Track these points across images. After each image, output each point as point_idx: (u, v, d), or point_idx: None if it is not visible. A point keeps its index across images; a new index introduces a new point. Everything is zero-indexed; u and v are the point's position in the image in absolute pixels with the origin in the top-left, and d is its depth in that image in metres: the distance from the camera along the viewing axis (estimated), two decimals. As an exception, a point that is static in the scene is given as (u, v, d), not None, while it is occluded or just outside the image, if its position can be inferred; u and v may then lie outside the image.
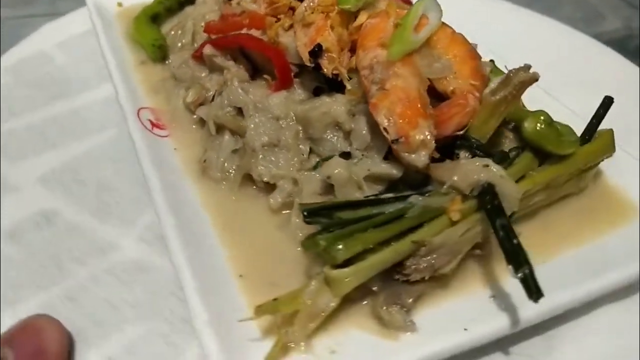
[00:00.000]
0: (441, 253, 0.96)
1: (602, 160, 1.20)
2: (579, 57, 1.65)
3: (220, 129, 1.20)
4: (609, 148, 1.18)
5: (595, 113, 1.21)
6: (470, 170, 1.00)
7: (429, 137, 0.98)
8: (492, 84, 1.06)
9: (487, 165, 1.00)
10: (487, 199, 0.98)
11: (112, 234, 1.12)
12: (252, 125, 1.14)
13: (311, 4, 1.20)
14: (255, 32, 1.27)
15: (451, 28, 1.18)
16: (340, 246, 0.90)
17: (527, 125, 1.07)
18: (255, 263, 1.01)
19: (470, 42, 1.17)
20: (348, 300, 0.95)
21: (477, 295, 0.99)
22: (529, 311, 0.94)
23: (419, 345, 0.89)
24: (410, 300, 0.94)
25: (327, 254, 0.91)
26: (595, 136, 1.18)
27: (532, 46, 1.52)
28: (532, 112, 1.11)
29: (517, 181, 1.06)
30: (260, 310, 0.87)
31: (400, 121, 0.99)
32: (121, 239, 1.12)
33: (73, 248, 1.09)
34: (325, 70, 1.11)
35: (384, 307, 0.93)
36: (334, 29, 1.14)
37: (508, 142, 1.14)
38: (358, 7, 1.16)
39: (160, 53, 1.43)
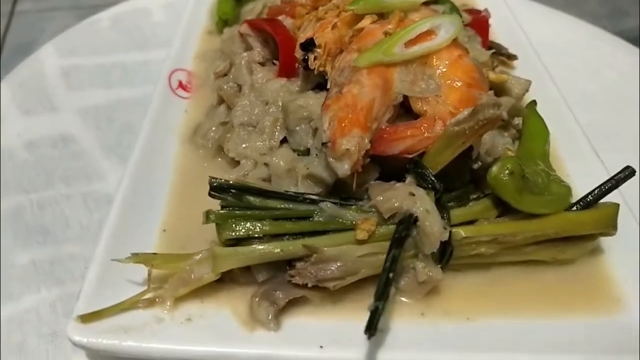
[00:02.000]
0: (331, 267, 0.92)
1: (596, 237, 1.03)
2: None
3: (220, 100, 1.27)
4: (607, 225, 1.01)
5: (606, 181, 1.04)
6: (395, 195, 0.95)
7: (354, 148, 0.94)
8: (460, 115, 0.98)
9: (413, 195, 0.94)
10: (400, 229, 0.92)
11: (105, 168, 1.27)
12: (241, 103, 1.20)
13: (333, 1, 1.21)
14: (289, 20, 1.32)
15: (462, 51, 1.10)
16: (227, 226, 0.93)
17: (492, 170, 0.97)
18: (182, 225, 1.07)
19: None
20: (235, 282, 0.97)
21: (356, 321, 0.93)
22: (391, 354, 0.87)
23: (263, 344, 0.88)
24: (284, 301, 0.93)
25: (217, 230, 0.94)
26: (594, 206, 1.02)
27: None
28: (506, 158, 0.99)
29: (461, 224, 0.98)
30: (136, 258, 0.93)
31: (336, 126, 0.97)
32: (110, 173, 1.26)
33: (68, 169, 1.25)
34: (310, 65, 1.12)
35: (256, 299, 0.93)
36: (336, 27, 1.14)
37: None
38: (367, 11, 1.14)
39: (224, 26, 1.54)
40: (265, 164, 1.08)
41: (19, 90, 1.41)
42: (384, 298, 0.82)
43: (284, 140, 1.16)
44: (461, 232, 0.97)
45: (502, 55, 1.54)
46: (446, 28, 1.10)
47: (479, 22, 1.50)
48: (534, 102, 1.26)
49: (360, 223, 0.94)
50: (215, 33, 1.57)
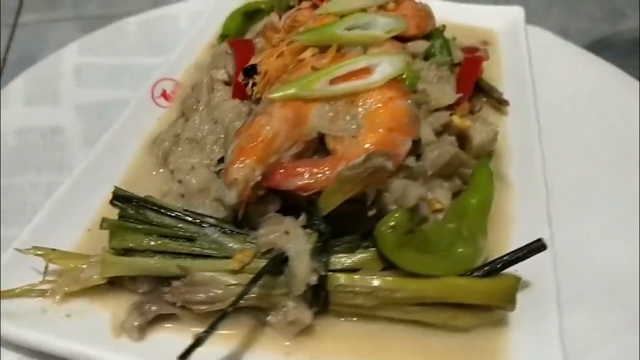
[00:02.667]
0: (200, 291, 0.95)
1: (495, 309, 0.97)
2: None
3: (182, 113, 1.34)
4: (501, 299, 0.95)
5: (516, 250, 0.98)
6: (275, 230, 0.96)
7: (242, 178, 0.96)
8: (356, 160, 0.96)
9: (288, 233, 0.94)
10: (266, 265, 0.92)
11: (79, 161, 1.37)
12: (192, 118, 1.26)
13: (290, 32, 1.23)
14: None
15: (396, 93, 1.08)
16: (117, 235, 0.99)
17: (380, 223, 0.95)
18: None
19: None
20: (124, 289, 1.03)
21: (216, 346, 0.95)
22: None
23: (118, 351, 0.93)
24: (153, 314, 0.97)
25: (109, 238, 1.00)
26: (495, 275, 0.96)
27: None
28: (396, 210, 0.96)
29: (342, 271, 0.96)
30: (36, 250, 1.02)
31: (234, 154, 0.99)
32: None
33: (45, 159, 1.37)
34: (247, 91, 1.15)
35: (131, 307, 0.98)
36: (282, 56, 1.16)
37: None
38: (310, 43, 1.15)
39: (222, 41, 1.60)
40: (179, 181, 1.13)
41: (32, 83, 1.56)
42: (210, 331, 0.84)
43: (221, 160, 1.20)
44: (338, 279, 0.95)
45: (493, 99, 1.47)
46: (382, 68, 1.09)
47: (470, 62, 1.44)
48: (488, 156, 1.20)
49: (237, 253, 0.96)
50: (216, 46, 1.64)
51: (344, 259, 0.97)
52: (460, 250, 0.99)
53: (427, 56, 1.41)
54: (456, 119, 1.26)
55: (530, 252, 0.97)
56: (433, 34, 1.48)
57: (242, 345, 0.97)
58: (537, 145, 1.32)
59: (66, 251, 1.04)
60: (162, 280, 0.99)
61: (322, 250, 0.96)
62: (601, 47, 1.93)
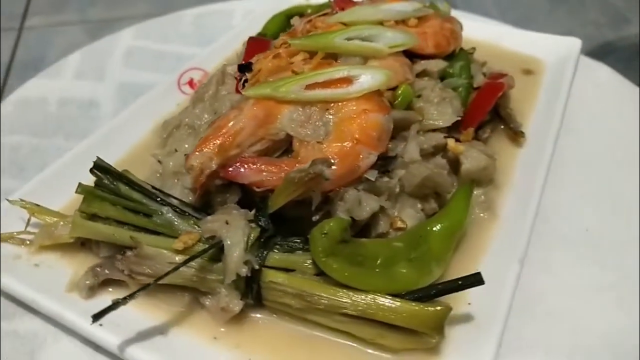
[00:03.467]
0: (146, 264, 1.01)
1: (424, 335, 0.95)
2: None
3: (194, 102, 1.41)
4: (427, 326, 0.93)
5: (452, 280, 0.95)
6: (219, 219, 1.00)
7: (197, 166, 1.01)
8: (305, 165, 0.98)
9: (228, 224, 0.98)
10: (205, 251, 0.97)
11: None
12: (197, 107, 1.33)
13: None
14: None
15: (373, 106, 1.08)
16: (87, 200, 1.08)
17: (315, 228, 0.96)
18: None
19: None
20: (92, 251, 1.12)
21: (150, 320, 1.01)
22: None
23: (64, 304, 1.02)
24: (102, 278, 1.05)
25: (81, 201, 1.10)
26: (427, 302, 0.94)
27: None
28: (332, 219, 0.97)
29: (277, 269, 0.99)
30: (22, 202, 1.13)
31: (198, 142, 1.04)
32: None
33: (76, 127, 1.51)
34: (239, 87, 1.20)
35: (88, 269, 1.06)
36: (277, 57, 1.20)
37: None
38: (302, 47, 1.17)
39: (258, 39, 1.67)
40: (159, 161, 1.20)
41: (86, 59, 1.71)
42: (129, 299, 0.90)
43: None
44: (270, 275, 0.98)
45: (509, 129, 1.42)
46: (363, 80, 1.09)
47: (489, 88, 1.40)
48: (470, 183, 1.16)
49: (183, 235, 1.01)
50: (249, 44, 1.71)
51: (281, 258, 0.99)
52: (402, 270, 0.97)
53: (443, 76, 1.39)
54: (451, 143, 1.24)
55: (465, 285, 0.94)
56: (457, 54, 1.45)
57: (175, 321, 1.03)
58: (539, 184, 1.25)
59: (48, 209, 1.15)
60: (120, 249, 1.06)
61: (262, 245, 0.99)
62: (604, 53, 1.92)
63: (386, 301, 0.93)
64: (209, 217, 1.02)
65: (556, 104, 1.49)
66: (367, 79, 1.10)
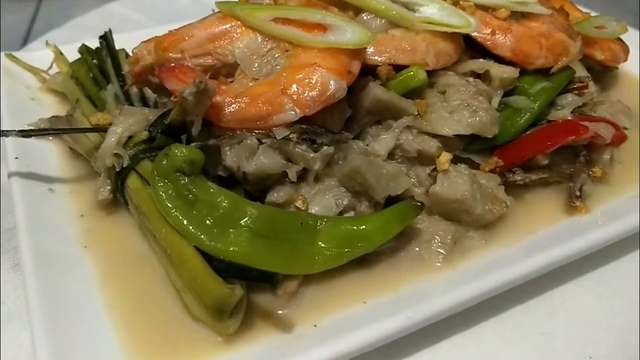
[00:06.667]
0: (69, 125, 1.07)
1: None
2: None
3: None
4: (212, 301, 0.79)
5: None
6: (125, 112, 1.00)
7: (134, 55, 1.04)
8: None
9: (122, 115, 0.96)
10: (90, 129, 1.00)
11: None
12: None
13: None
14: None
15: (329, 64, 0.94)
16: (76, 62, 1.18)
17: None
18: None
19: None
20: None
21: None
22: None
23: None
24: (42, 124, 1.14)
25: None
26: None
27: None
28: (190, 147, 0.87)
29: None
30: (52, 45, 1.28)
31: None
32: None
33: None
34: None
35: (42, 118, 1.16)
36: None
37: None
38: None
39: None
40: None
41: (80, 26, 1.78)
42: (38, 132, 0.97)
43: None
44: (132, 179, 0.94)
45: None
46: (339, 34, 0.94)
47: (561, 128, 1.12)
48: (414, 206, 0.92)
49: (102, 113, 1.05)
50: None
51: (145, 165, 0.93)
52: (238, 238, 0.83)
53: (511, 90, 1.10)
54: (443, 157, 0.99)
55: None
56: (556, 74, 1.13)
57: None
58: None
59: (67, 60, 1.27)
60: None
61: (142, 151, 0.94)
62: None
63: (189, 252, 0.80)
64: (129, 107, 1.01)
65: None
66: (341, 34, 0.93)
